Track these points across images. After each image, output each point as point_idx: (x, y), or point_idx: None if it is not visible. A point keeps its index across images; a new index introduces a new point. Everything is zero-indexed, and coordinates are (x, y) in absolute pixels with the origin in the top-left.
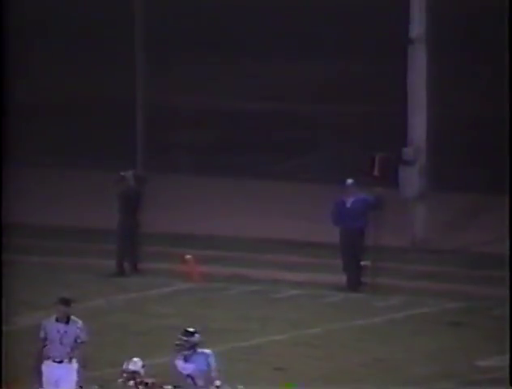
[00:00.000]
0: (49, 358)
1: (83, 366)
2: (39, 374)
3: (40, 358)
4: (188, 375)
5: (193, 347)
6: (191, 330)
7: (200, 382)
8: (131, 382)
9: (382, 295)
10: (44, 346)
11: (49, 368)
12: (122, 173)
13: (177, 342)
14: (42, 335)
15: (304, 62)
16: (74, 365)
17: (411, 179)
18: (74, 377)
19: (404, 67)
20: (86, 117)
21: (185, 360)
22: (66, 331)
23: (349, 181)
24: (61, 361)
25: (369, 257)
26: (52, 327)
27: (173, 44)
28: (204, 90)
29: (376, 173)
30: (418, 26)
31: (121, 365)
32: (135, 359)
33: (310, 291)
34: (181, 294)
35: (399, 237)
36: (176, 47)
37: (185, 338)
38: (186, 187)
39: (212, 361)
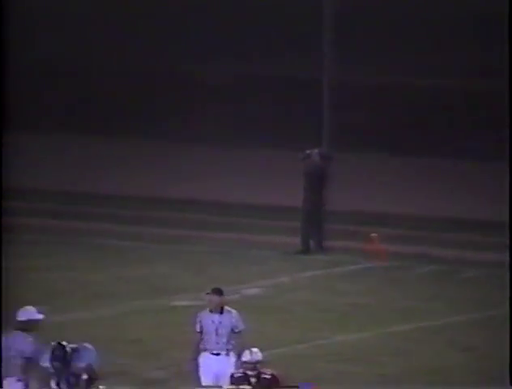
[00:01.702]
0: (205, 350)
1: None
2: (197, 366)
3: (197, 351)
4: None
5: None
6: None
7: None
8: (251, 373)
9: None
10: (201, 339)
11: (206, 360)
12: (308, 151)
13: None
14: (198, 328)
15: None
16: (232, 358)
17: None
18: (232, 370)
19: None
20: (269, 94)
21: None
22: (220, 322)
23: None
24: (218, 354)
25: None
26: (207, 318)
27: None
28: (385, 69)
29: None
30: None
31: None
32: (254, 349)
33: (495, 271)
34: (366, 272)
35: None
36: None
37: None
38: (377, 167)
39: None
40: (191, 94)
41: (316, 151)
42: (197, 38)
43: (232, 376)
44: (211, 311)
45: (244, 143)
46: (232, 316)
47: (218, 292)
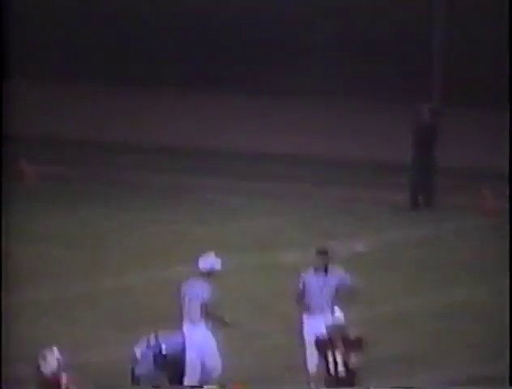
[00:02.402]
0: (308, 311)
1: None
2: (301, 326)
3: (300, 310)
4: None
5: None
6: None
7: None
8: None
9: None
10: (304, 299)
11: (310, 321)
12: (418, 107)
13: None
14: (301, 286)
15: None
16: (336, 315)
17: None
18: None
19: None
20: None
21: None
22: (325, 282)
23: None
24: (321, 315)
25: None
26: (311, 278)
27: None
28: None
29: None
30: None
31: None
32: (337, 313)
33: None
34: (476, 229)
35: None
36: None
37: None
38: (490, 121)
39: None
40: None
41: (426, 106)
42: None
43: (317, 339)
44: (315, 271)
45: (352, 96)
46: (337, 276)
47: (323, 252)
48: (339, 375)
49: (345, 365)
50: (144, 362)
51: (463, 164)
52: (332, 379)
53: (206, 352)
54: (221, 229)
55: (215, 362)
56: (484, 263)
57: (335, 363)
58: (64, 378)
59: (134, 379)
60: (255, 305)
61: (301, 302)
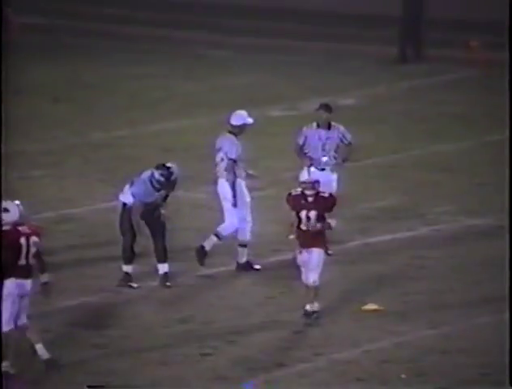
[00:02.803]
0: (311, 165)
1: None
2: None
3: (301, 161)
4: None
5: None
6: None
7: None
8: (308, 192)
9: None
10: (305, 153)
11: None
12: None
13: None
14: (301, 141)
15: None
16: (334, 174)
17: None
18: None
19: None
20: None
21: None
22: (328, 137)
23: None
24: (323, 169)
25: None
26: (313, 133)
27: None
28: None
29: None
30: None
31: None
32: (313, 169)
33: None
34: (465, 81)
35: None
36: None
37: None
38: None
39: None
40: None
41: None
42: None
43: (289, 194)
44: (318, 126)
45: None
46: (339, 131)
47: (326, 107)
48: (311, 229)
49: (318, 219)
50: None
51: (452, 15)
52: (303, 234)
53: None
54: (210, 84)
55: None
56: (472, 116)
57: (308, 218)
58: (26, 229)
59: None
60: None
61: (302, 156)
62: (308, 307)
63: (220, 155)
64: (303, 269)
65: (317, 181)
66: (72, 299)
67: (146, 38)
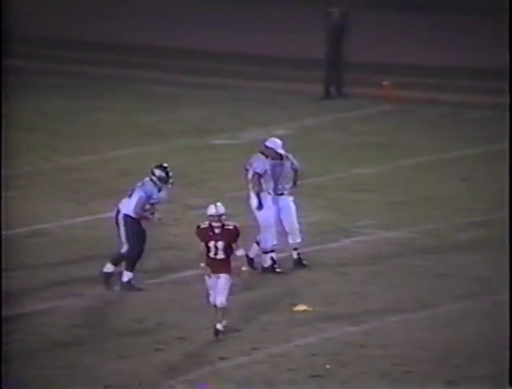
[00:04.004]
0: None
1: None
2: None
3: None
4: None
5: None
6: None
7: None
8: (215, 225)
9: None
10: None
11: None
12: (329, 10)
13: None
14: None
15: None
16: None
17: None
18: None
19: None
20: None
21: None
22: (282, 167)
23: None
24: (282, 194)
25: None
26: (273, 164)
27: None
28: None
29: None
30: None
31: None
32: (218, 204)
33: (495, 112)
34: (380, 115)
35: None
36: None
37: None
38: (391, 23)
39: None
40: None
41: (336, 9)
42: None
43: (197, 227)
44: (273, 158)
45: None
46: (290, 161)
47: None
48: (218, 258)
49: (225, 250)
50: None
51: (368, 58)
52: (213, 262)
53: None
54: (162, 117)
55: None
56: (386, 144)
57: (216, 248)
58: None
59: None
60: (189, 181)
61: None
62: (218, 326)
63: (250, 171)
64: (211, 292)
65: (223, 214)
66: (43, 303)
67: (106, 77)
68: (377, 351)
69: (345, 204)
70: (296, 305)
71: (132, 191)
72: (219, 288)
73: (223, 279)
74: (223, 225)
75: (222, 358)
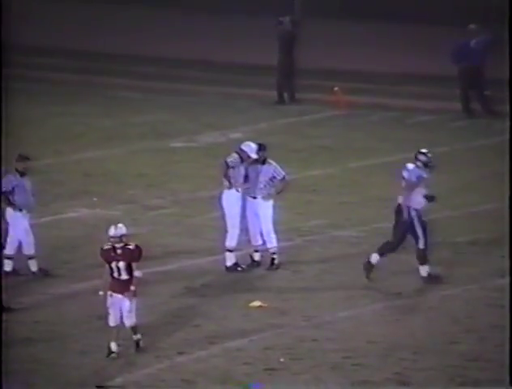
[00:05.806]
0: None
1: None
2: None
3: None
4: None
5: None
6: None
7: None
8: (117, 246)
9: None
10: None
11: (248, 203)
12: (281, 18)
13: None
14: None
15: None
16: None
17: None
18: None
19: None
20: None
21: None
22: (260, 171)
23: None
24: (255, 197)
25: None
26: (252, 167)
27: None
28: None
29: None
30: None
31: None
32: (119, 225)
33: (441, 117)
34: (330, 119)
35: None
36: None
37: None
38: (342, 31)
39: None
40: None
41: (288, 18)
42: None
43: (101, 248)
44: (254, 161)
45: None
46: (272, 167)
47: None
48: (122, 278)
49: (127, 270)
50: None
51: (319, 65)
52: (116, 282)
53: None
54: (123, 121)
55: None
56: (335, 147)
57: (118, 268)
58: None
59: None
60: (148, 183)
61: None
62: (113, 345)
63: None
64: (111, 311)
65: (123, 235)
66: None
67: (68, 82)
68: (328, 345)
69: (297, 205)
70: (252, 301)
71: None
72: (125, 310)
73: (127, 301)
74: (124, 245)
75: (180, 353)
